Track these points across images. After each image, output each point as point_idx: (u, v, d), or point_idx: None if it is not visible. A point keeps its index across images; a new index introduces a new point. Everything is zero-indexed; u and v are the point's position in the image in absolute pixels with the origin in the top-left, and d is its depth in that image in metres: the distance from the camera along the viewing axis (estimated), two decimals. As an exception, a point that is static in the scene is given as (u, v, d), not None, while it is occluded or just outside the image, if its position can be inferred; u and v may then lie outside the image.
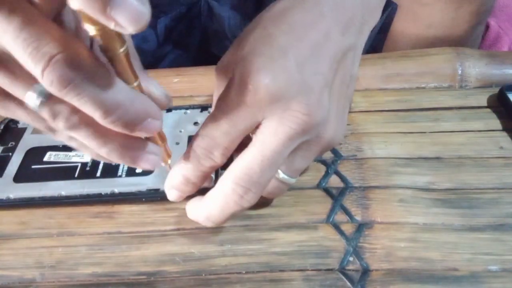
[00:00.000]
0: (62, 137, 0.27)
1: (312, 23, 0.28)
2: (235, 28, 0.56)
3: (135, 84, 0.25)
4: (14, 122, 0.41)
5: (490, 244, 0.31)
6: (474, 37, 0.53)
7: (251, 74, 0.26)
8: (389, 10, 0.55)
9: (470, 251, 0.31)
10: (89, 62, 0.22)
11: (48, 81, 0.21)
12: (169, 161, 0.31)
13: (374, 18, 0.32)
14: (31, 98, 0.23)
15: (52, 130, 0.27)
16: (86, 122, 0.24)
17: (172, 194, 0.32)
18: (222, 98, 0.28)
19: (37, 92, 0.23)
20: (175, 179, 0.30)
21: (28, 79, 0.22)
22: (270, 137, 0.27)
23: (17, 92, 0.23)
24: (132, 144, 0.27)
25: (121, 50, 0.23)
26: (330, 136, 0.30)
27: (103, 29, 0.21)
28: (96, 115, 0.23)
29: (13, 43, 0.21)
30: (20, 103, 0.24)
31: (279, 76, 0.26)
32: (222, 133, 0.28)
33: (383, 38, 0.57)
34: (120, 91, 0.23)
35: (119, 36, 0.23)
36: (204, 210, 0.30)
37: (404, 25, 0.53)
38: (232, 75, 0.28)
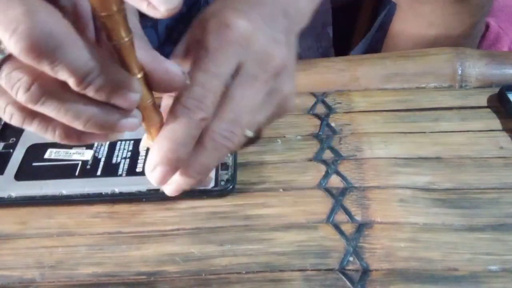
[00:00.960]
0: (20, 118, 0.25)
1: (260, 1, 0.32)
2: None
3: (139, 76, 0.25)
4: None
5: (490, 244, 0.31)
6: (474, 35, 0.53)
7: (230, 18, 0.29)
8: (387, 9, 0.55)
9: (470, 251, 0.31)
10: (62, 28, 0.21)
11: (17, 47, 0.20)
12: None
13: (303, 19, 0.35)
14: None
15: (8, 108, 0.24)
16: (52, 91, 0.23)
17: (155, 175, 0.28)
18: (202, 46, 0.29)
19: None
20: (161, 148, 0.27)
21: None
22: (249, 79, 0.29)
23: None
24: (108, 109, 0.25)
25: (126, 39, 0.23)
26: (289, 89, 0.32)
27: (110, 17, 0.21)
28: (70, 81, 0.22)
29: None
30: None
31: (254, 22, 0.29)
32: (211, 77, 0.28)
33: (381, 37, 0.57)
34: (94, 57, 0.22)
35: (125, 25, 0.23)
36: (193, 167, 0.29)
37: (404, 25, 0.53)
38: (207, 26, 0.29)
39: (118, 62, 0.24)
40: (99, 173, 0.36)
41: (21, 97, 0.23)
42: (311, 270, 0.30)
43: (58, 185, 0.35)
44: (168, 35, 0.57)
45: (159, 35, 0.57)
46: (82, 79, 0.22)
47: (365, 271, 0.30)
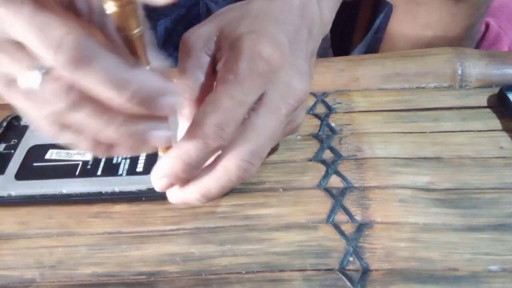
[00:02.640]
0: (56, 128, 0.26)
1: (289, 20, 0.31)
2: None
3: (147, 68, 0.25)
4: (16, 119, 0.41)
5: (490, 244, 0.31)
6: (472, 35, 0.53)
7: (265, 47, 0.28)
8: (386, 11, 0.55)
9: (470, 251, 0.31)
10: (99, 41, 0.22)
11: (61, 61, 0.21)
12: None
13: (325, 31, 0.36)
14: (33, 77, 0.23)
15: (47, 117, 0.26)
16: (89, 98, 0.24)
17: (161, 183, 0.29)
18: (231, 70, 0.28)
19: (38, 68, 0.23)
20: (172, 166, 0.28)
21: (29, 61, 0.23)
22: (274, 111, 0.29)
23: (17, 72, 0.24)
24: (139, 119, 0.25)
25: (136, 31, 0.23)
26: (301, 120, 0.33)
27: (122, 7, 0.22)
28: (110, 94, 0.23)
29: (26, 31, 0.22)
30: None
31: (284, 53, 0.29)
32: (236, 105, 0.27)
33: (380, 38, 0.57)
34: (132, 68, 0.23)
35: (136, 16, 0.23)
36: (200, 189, 0.29)
37: (401, 25, 0.53)
38: (235, 48, 0.28)
39: (127, 55, 0.24)
40: (99, 172, 0.36)
41: (59, 105, 0.24)
42: (311, 270, 0.30)
43: (58, 185, 0.35)
44: (167, 37, 0.57)
45: (158, 37, 0.57)
46: (121, 90, 0.23)
47: (365, 271, 0.30)
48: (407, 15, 0.52)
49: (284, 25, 0.31)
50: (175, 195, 0.30)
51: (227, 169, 0.28)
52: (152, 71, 0.25)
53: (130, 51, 0.24)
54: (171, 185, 0.29)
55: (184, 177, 0.29)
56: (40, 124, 0.26)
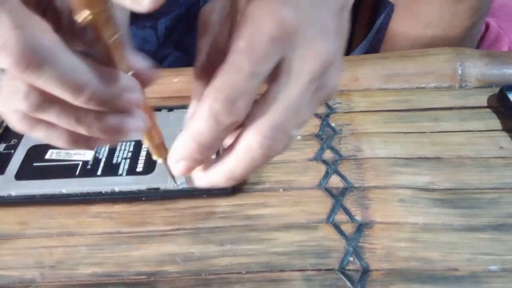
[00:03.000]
0: (26, 124, 0.25)
1: None
2: None
3: (129, 74, 0.25)
4: None
5: (490, 244, 0.31)
6: (473, 35, 0.53)
7: (274, 8, 0.24)
8: (387, 10, 0.55)
9: (470, 251, 0.31)
10: (49, 41, 0.21)
11: (6, 61, 0.20)
12: (167, 156, 0.30)
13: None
14: None
15: (15, 113, 0.25)
16: (54, 98, 0.23)
17: (179, 167, 0.27)
18: (239, 38, 0.25)
19: None
20: (186, 147, 0.26)
21: None
22: (295, 78, 0.25)
23: None
24: (110, 113, 0.25)
25: (112, 39, 0.23)
26: (334, 84, 0.28)
27: (97, 15, 0.21)
28: (66, 96, 0.22)
29: None
30: None
31: (300, 11, 0.25)
32: (246, 76, 0.24)
33: (381, 38, 0.57)
34: (87, 68, 0.22)
35: (111, 24, 0.22)
36: (223, 171, 0.27)
37: (402, 25, 0.53)
38: (244, 13, 0.25)
39: (107, 62, 0.24)
40: (99, 172, 0.36)
41: (21, 105, 0.23)
42: (311, 270, 0.30)
43: (58, 184, 0.35)
44: (167, 35, 0.58)
45: (158, 36, 0.57)
46: (76, 93, 0.22)
47: (365, 271, 0.30)
48: (408, 14, 0.52)
49: None
50: (200, 178, 0.28)
51: (248, 147, 0.26)
52: (134, 75, 0.25)
53: (108, 58, 0.24)
54: (189, 168, 0.27)
55: (202, 158, 0.26)
56: (9, 119, 0.25)
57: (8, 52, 0.20)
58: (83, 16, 0.21)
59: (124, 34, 0.24)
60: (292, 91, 0.25)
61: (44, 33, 0.21)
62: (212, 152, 0.26)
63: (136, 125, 0.26)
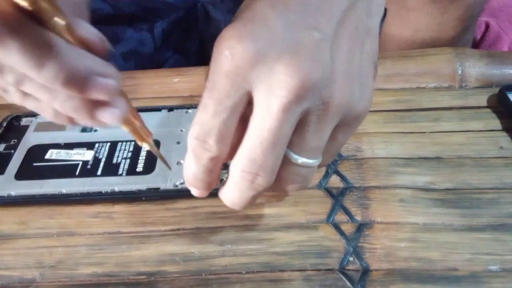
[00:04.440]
0: (18, 94, 0.26)
1: None
2: None
3: None
4: (16, 119, 0.41)
5: (490, 244, 0.31)
6: (463, 42, 0.53)
7: (226, 39, 0.23)
8: (382, 17, 0.55)
9: (470, 251, 0.31)
10: (10, 16, 0.21)
11: None
12: (150, 139, 0.30)
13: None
14: None
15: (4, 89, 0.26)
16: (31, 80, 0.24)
17: (193, 191, 0.29)
18: (206, 78, 0.25)
19: None
20: (186, 177, 0.28)
21: None
22: (262, 113, 0.24)
23: None
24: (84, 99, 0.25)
25: (60, 23, 0.22)
26: (342, 99, 0.24)
27: (34, 3, 0.21)
28: (32, 73, 0.22)
29: None
30: None
31: (259, 36, 0.23)
32: (210, 115, 0.25)
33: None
34: (54, 46, 0.22)
35: (56, 9, 0.22)
36: (227, 197, 0.28)
37: (392, 29, 0.53)
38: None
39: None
40: (99, 172, 0.36)
41: (8, 79, 0.24)
42: (311, 270, 0.30)
43: (58, 184, 0.35)
44: (164, 39, 0.57)
45: (155, 39, 0.57)
46: (37, 69, 0.22)
47: (365, 271, 0.30)
48: (398, 19, 0.52)
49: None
50: (221, 197, 0.29)
51: (234, 180, 0.26)
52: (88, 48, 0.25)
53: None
54: (203, 193, 0.28)
55: (204, 186, 0.28)
56: (6, 93, 0.26)
57: None
58: (21, 3, 0.21)
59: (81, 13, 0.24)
60: (263, 124, 0.24)
61: (7, 7, 0.21)
62: (209, 181, 0.27)
63: (112, 112, 0.25)
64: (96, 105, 0.25)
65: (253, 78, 0.24)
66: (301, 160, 0.26)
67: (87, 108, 0.25)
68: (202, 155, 0.26)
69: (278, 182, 0.27)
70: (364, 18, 0.25)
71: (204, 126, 0.25)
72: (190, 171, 0.27)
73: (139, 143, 0.30)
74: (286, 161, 0.26)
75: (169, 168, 0.33)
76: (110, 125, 0.26)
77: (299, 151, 0.26)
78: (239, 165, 0.25)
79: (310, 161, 0.26)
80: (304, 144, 0.26)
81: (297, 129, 0.25)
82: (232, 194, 0.27)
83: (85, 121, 0.26)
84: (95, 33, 0.25)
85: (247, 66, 0.23)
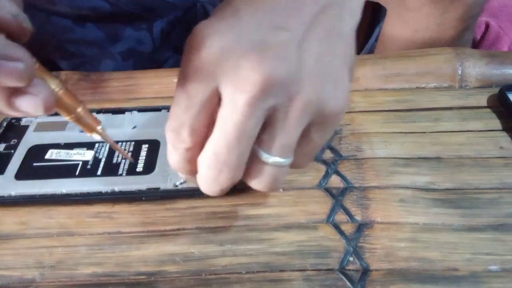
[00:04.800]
0: None
1: None
2: None
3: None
4: (17, 120, 0.41)
5: (490, 244, 0.31)
6: (463, 42, 0.53)
7: (195, 35, 0.24)
8: (385, 19, 0.56)
9: (470, 251, 0.31)
10: None
11: None
12: (99, 128, 0.29)
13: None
14: None
15: None
16: None
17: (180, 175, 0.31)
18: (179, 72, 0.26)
19: None
20: (170, 164, 0.29)
21: None
22: (228, 108, 0.25)
23: None
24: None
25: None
26: (310, 97, 0.25)
27: None
28: None
29: None
30: None
31: (227, 33, 0.24)
32: (182, 110, 0.26)
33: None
34: None
35: None
36: (200, 186, 0.29)
37: (392, 29, 0.53)
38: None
39: None
40: (99, 172, 0.36)
41: None
42: (311, 270, 0.30)
43: (58, 184, 0.35)
44: (163, 39, 0.57)
45: (154, 38, 0.57)
46: None
47: (365, 271, 0.30)
48: (398, 19, 0.52)
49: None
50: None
51: (200, 173, 0.27)
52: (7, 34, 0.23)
53: None
54: (188, 177, 0.30)
55: (188, 172, 0.29)
56: None
57: None
58: None
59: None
60: (228, 118, 0.25)
61: None
62: (192, 167, 0.28)
63: (30, 99, 0.24)
64: (15, 93, 0.24)
65: (220, 74, 0.24)
66: (270, 158, 0.26)
67: (3, 96, 0.24)
68: (179, 146, 0.27)
69: (248, 180, 0.28)
70: (336, 23, 0.26)
71: (177, 120, 0.26)
72: (171, 160, 0.29)
73: (88, 134, 0.29)
74: (255, 159, 0.27)
75: (132, 161, 0.34)
76: (34, 114, 0.25)
77: (268, 149, 0.26)
78: (205, 159, 0.27)
79: (280, 159, 0.27)
80: (272, 141, 0.26)
81: (265, 127, 0.26)
82: (202, 185, 0.28)
83: (4, 111, 0.25)
84: (11, 11, 0.24)
85: (213, 63, 0.24)
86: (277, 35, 0.24)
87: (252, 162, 0.27)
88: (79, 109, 0.27)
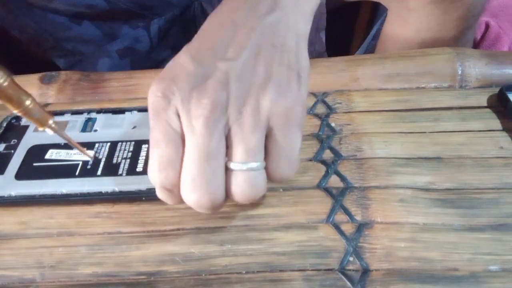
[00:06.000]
0: None
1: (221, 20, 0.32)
2: None
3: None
4: (17, 120, 0.41)
5: (490, 244, 0.31)
6: (464, 42, 0.53)
7: (153, 82, 0.30)
8: (383, 17, 0.55)
9: (470, 251, 0.31)
10: None
11: None
12: (51, 122, 0.29)
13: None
14: None
15: None
16: None
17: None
18: None
19: None
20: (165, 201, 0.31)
21: None
22: (189, 135, 0.28)
23: None
24: None
25: None
26: (256, 103, 0.29)
27: None
28: None
29: None
30: None
31: (176, 77, 0.29)
32: (153, 146, 0.29)
33: (376, 45, 0.57)
34: None
35: None
36: (195, 208, 0.31)
37: (393, 29, 0.53)
38: None
39: None
40: (99, 172, 0.36)
41: None
42: (311, 270, 0.30)
43: (58, 184, 0.35)
44: (161, 37, 0.57)
45: (151, 37, 0.57)
46: None
47: (365, 271, 0.30)
48: (399, 19, 0.52)
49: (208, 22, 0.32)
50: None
51: (188, 200, 0.29)
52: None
53: None
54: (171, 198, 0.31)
55: (178, 202, 0.30)
56: None
57: None
58: None
59: None
60: (192, 144, 0.28)
61: None
62: (179, 199, 0.30)
63: None
64: None
65: (173, 111, 0.28)
66: (237, 165, 0.29)
67: None
68: (161, 174, 0.29)
69: (230, 195, 0.30)
70: (275, 38, 0.30)
71: (153, 155, 0.29)
72: (162, 198, 0.31)
73: (40, 128, 0.29)
74: (228, 173, 0.29)
75: (92, 158, 0.34)
76: None
77: (234, 158, 0.29)
78: (185, 187, 0.29)
79: (248, 164, 0.29)
80: (235, 150, 0.29)
81: (228, 143, 0.29)
82: (195, 208, 0.30)
83: None
84: None
85: (164, 103, 0.28)
86: (217, 67, 0.29)
87: (227, 177, 0.29)
88: (28, 102, 0.27)
